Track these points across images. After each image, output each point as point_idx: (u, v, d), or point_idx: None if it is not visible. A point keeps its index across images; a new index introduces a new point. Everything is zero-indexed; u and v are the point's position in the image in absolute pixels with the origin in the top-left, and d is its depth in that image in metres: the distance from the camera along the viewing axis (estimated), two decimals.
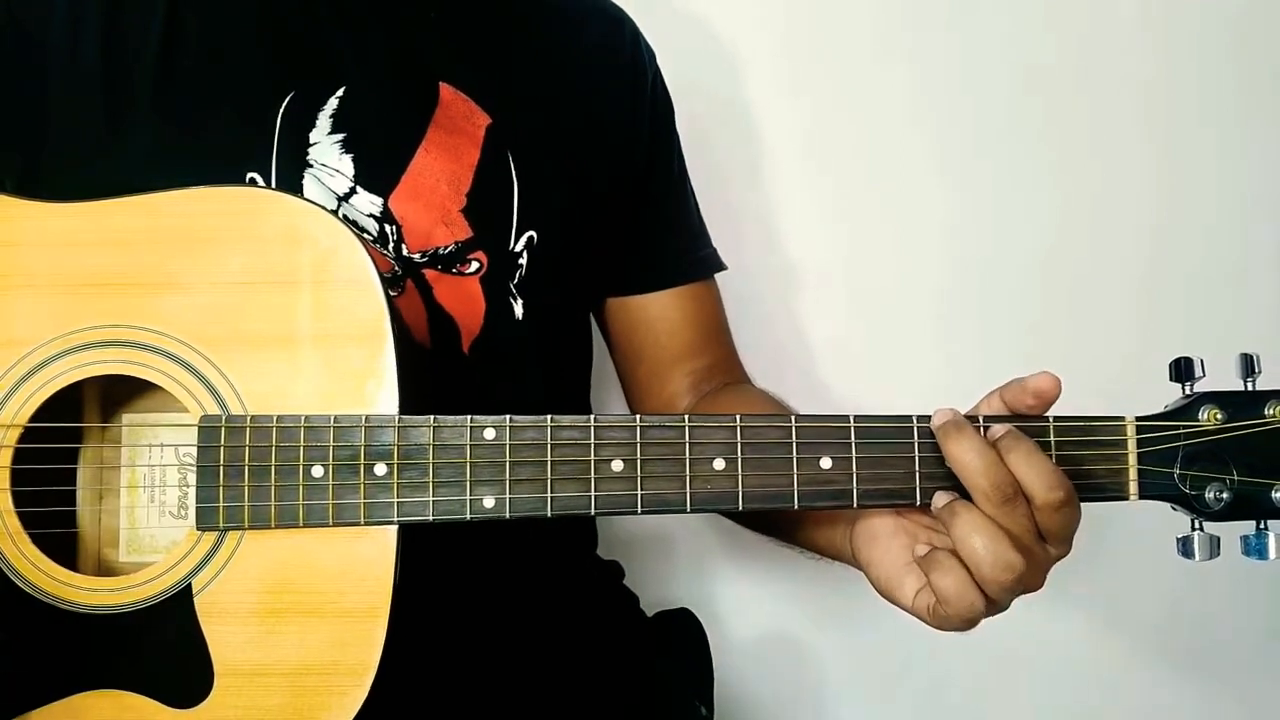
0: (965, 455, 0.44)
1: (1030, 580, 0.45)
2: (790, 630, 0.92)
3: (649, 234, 0.67)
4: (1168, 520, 0.49)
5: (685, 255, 0.70)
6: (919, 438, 0.46)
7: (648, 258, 0.68)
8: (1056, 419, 0.47)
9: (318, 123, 0.57)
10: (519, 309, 0.60)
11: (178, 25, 0.57)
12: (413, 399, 0.47)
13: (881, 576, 0.49)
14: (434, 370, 0.57)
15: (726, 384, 0.68)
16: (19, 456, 0.47)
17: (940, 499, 0.46)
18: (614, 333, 0.70)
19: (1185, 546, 0.47)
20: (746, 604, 0.91)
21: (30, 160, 0.56)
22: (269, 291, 0.47)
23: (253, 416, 0.46)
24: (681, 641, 0.68)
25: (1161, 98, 0.90)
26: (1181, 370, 0.47)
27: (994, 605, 0.45)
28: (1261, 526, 0.47)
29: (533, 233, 0.60)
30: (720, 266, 0.71)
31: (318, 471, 0.46)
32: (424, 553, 0.48)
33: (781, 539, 0.60)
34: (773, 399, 0.66)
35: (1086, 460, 0.46)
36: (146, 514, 0.51)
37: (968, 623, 0.46)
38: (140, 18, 0.57)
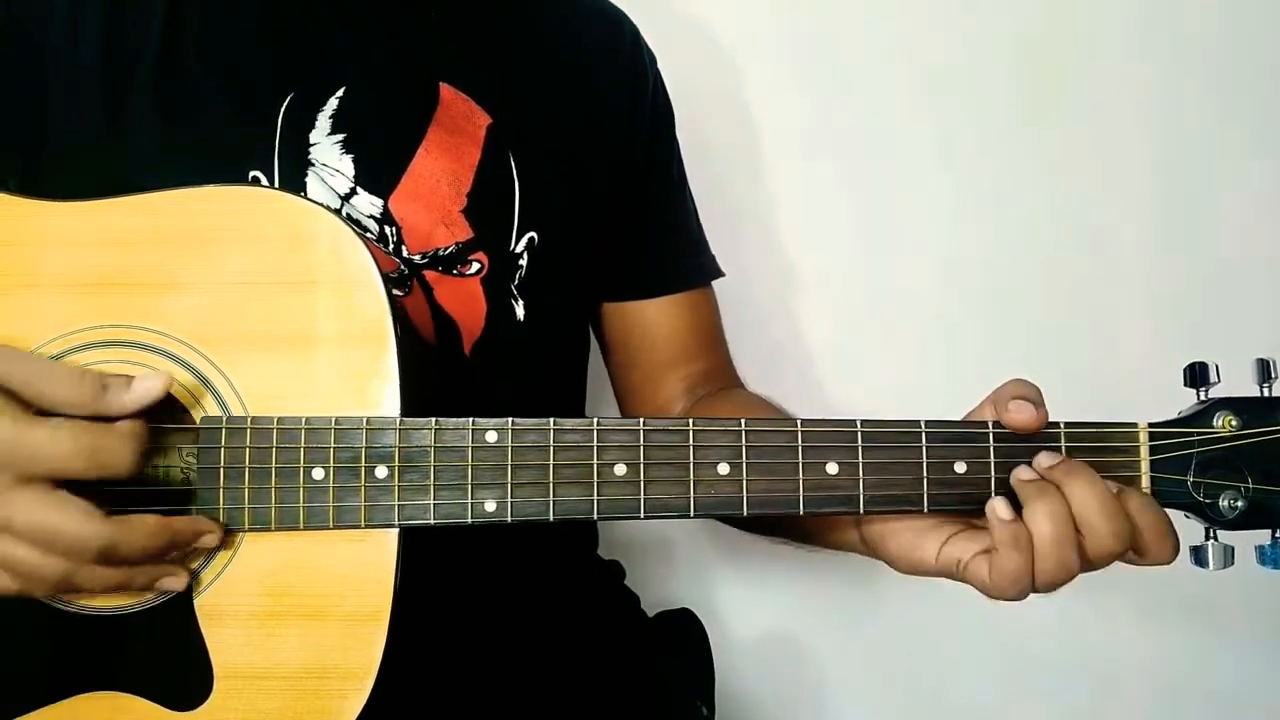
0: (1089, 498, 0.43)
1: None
2: (790, 630, 0.92)
3: (648, 239, 0.67)
4: (1181, 529, 0.48)
5: (683, 261, 0.69)
6: (927, 442, 0.46)
7: (646, 263, 0.68)
8: (1068, 425, 0.46)
9: (317, 123, 0.56)
10: (520, 310, 0.60)
11: (178, 25, 0.57)
12: (416, 399, 0.47)
13: (900, 547, 0.47)
14: (436, 371, 0.57)
15: (721, 388, 0.68)
16: None
17: (1026, 472, 0.44)
18: (609, 337, 0.70)
19: (1199, 556, 0.46)
20: (747, 604, 0.91)
21: (31, 160, 0.56)
22: (271, 292, 0.47)
23: (253, 418, 0.46)
24: (682, 641, 0.68)
25: (1162, 96, 0.89)
26: (1196, 375, 0.46)
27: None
28: (1277, 536, 0.46)
29: (533, 233, 0.60)
30: (718, 273, 0.71)
31: (318, 473, 0.46)
32: (425, 555, 0.47)
33: (780, 536, 0.60)
34: (767, 403, 0.66)
35: (1098, 467, 0.45)
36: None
37: (1015, 579, 0.44)
38: (140, 17, 0.56)
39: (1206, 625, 0.92)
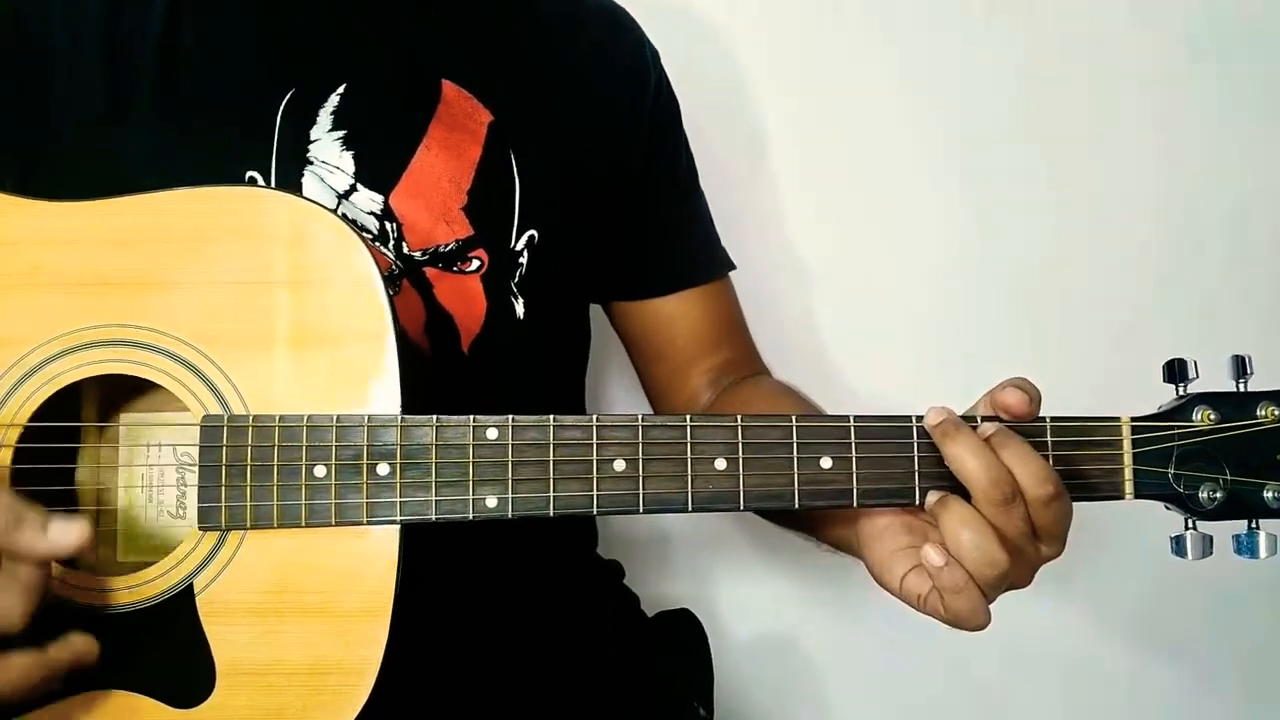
0: (963, 454, 0.45)
1: (1017, 577, 0.46)
2: (790, 630, 0.92)
3: (658, 236, 0.67)
4: (1162, 520, 0.49)
5: (696, 256, 0.69)
6: (918, 438, 0.47)
7: (659, 261, 0.68)
8: (1053, 419, 0.47)
9: (318, 120, 0.57)
10: (520, 308, 0.60)
11: (178, 25, 0.57)
12: (410, 401, 0.47)
13: (875, 563, 0.49)
14: (431, 372, 0.57)
15: (745, 377, 0.68)
16: (19, 456, 0.47)
17: (932, 496, 0.46)
18: (631, 334, 0.70)
19: (1178, 545, 0.48)
20: (746, 604, 0.91)
21: (30, 160, 0.56)
22: (270, 291, 0.48)
23: (255, 416, 0.47)
24: (681, 642, 0.68)
25: (1157, 96, 0.90)
26: (1175, 371, 0.47)
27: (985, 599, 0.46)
28: (1253, 525, 0.47)
29: (534, 231, 0.60)
30: (732, 265, 0.71)
31: (320, 471, 0.46)
32: (426, 552, 0.48)
33: (801, 532, 0.61)
34: (790, 389, 0.66)
35: (1082, 460, 0.47)
36: (145, 514, 0.51)
37: (970, 615, 0.45)
38: (140, 17, 0.57)
39: (1207, 626, 0.93)
